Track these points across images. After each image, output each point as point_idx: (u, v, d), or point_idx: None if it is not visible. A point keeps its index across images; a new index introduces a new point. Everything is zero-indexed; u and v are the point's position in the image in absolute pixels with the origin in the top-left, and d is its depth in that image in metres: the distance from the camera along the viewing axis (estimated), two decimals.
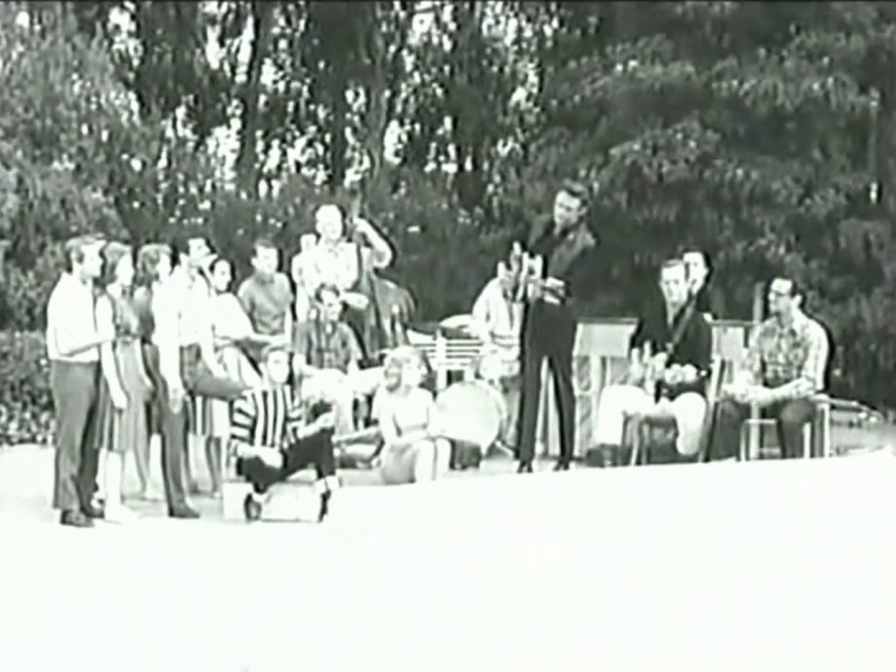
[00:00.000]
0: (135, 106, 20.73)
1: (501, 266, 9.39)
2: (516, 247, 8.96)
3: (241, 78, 26.73)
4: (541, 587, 3.20)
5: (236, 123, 26.81)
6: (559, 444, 9.39)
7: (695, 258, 9.87)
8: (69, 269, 8.44)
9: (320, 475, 8.25)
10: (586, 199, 9.40)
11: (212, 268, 10.00)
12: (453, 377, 11.38)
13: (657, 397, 8.84)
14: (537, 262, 8.74)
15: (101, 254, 8.47)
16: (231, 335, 9.81)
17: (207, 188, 22.02)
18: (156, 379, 8.75)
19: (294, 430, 8.49)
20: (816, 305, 12.42)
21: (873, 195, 16.82)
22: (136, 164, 19.03)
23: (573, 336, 9.14)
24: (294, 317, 10.57)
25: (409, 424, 8.84)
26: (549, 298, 8.65)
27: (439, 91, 27.34)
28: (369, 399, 9.75)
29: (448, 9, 26.97)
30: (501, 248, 9.44)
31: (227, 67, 26.96)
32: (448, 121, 27.33)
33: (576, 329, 9.19)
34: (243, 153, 25.80)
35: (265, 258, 10.26)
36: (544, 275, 8.74)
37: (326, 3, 23.92)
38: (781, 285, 8.60)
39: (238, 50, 26.90)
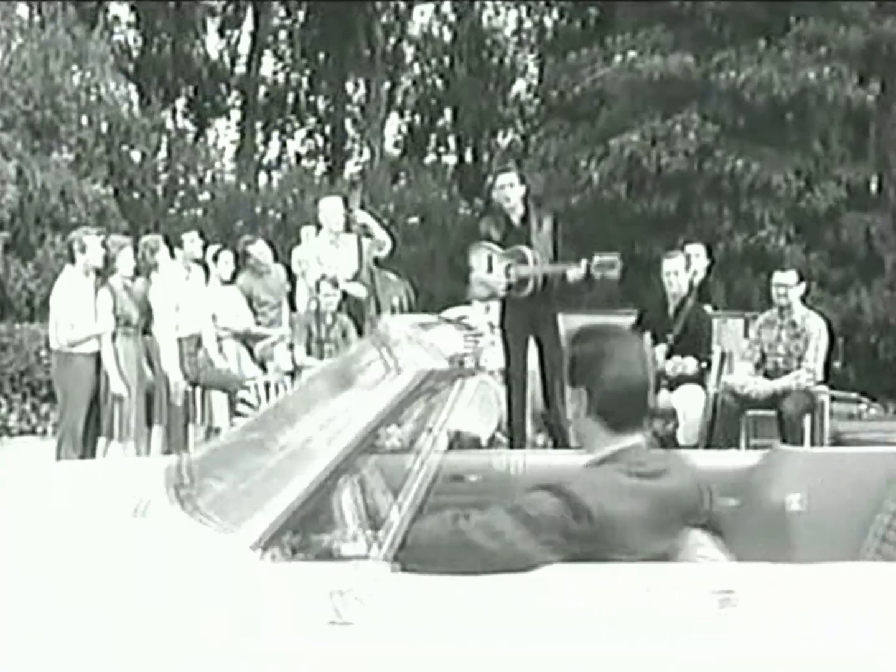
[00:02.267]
0: (134, 97, 20.75)
1: (482, 272, 8.33)
2: (495, 249, 8.41)
3: (240, 69, 26.75)
4: None
5: (236, 115, 26.83)
6: (549, 433, 9.28)
7: (696, 249, 9.84)
8: (72, 261, 8.45)
9: None
10: (523, 175, 8.97)
11: (215, 258, 10.02)
12: None
13: (657, 388, 8.81)
14: (537, 253, 8.42)
15: (104, 245, 8.49)
16: (232, 327, 9.82)
17: (207, 179, 22.07)
18: (156, 370, 8.76)
19: None
20: (817, 297, 12.42)
21: (874, 186, 16.82)
22: (136, 156, 19.05)
23: (556, 319, 8.72)
24: (293, 308, 10.58)
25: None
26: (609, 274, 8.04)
27: (439, 82, 27.35)
28: None
29: (448, 0, 26.96)
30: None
31: (226, 58, 26.98)
32: (448, 112, 27.34)
33: (556, 313, 8.75)
34: (243, 144, 25.80)
35: (260, 253, 10.30)
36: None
37: None
38: (788, 277, 8.53)
39: (238, 41, 26.92)
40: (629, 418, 3.11)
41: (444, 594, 2.83)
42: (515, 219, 8.28)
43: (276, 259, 10.65)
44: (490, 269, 8.32)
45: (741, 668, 2.71)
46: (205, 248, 10.19)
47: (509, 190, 8.22)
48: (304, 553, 2.99)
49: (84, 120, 16.88)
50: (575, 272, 8.00)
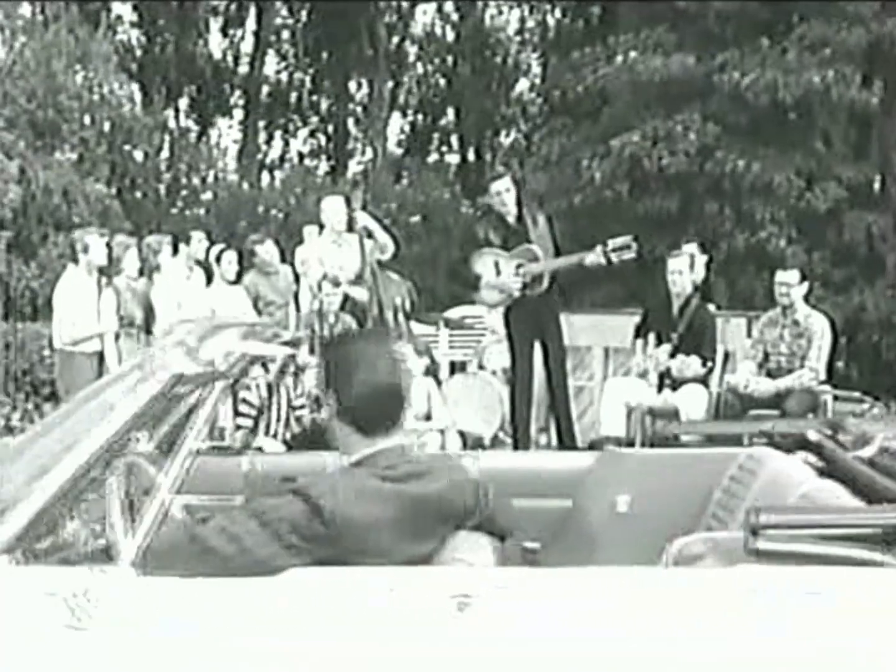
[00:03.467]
0: (137, 96, 20.79)
1: (492, 277, 8.29)
2: (500, 252, 8.46)
3: (243, 68, 26.76)
4: None
5: (239, 114, 26.85)
6: (556, 433, 9.30)
7: (691, 248, 9.82)
8: (75, 260, 8.46)
9: None
10: (516, 176, 9.01)
11: (218, 259, 10.01)
12: (456, 368, 11.38)
13: (660, 388, 8.81)
14: (538, 250, 8.44)
15: (108, 245, 8.51)
16: None
17: (210, 179, 22.10)
18: None
19: (298, 419, 8.50)
20: (819, 296, 12.41)
21: (876, 186, 16.81)
22: (139, 155, 19.07)
23: (559, 318, 8.78)
24: (297, 307, 10.58)
25: (413, 415, 8.83)
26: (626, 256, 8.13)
27: (442, 81, 27.35)
28: None
29: None
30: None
31: (229, 58, 27.00)
32: (451, 111, 27.35)
33: (559, 312, 8.81)
34: (246, 144, 25.83)
35: (267, 253, 10.30)
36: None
37: None
38: (790, 276, 8.52)
39: (241, 40, 26.93)
40: (380, 422, 3.11)
41: (184, 598, 2.81)
42: (511, 219, 8.33)
43: (282, 259, 10.66)
44: (498, 273, 8.34)
45: (476, 667, 2.74)
46: (208, 249, 10.19)
47: (506, 195, 8.31)
48: (49, 557, 2.98)
49: (87, 119, 16.90)
50: (593, 258, 8.07)
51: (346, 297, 9.93)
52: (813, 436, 3.87)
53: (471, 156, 26.97)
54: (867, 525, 2.96)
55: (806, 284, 8.58)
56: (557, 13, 25.16)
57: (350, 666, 2.77)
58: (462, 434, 9.04)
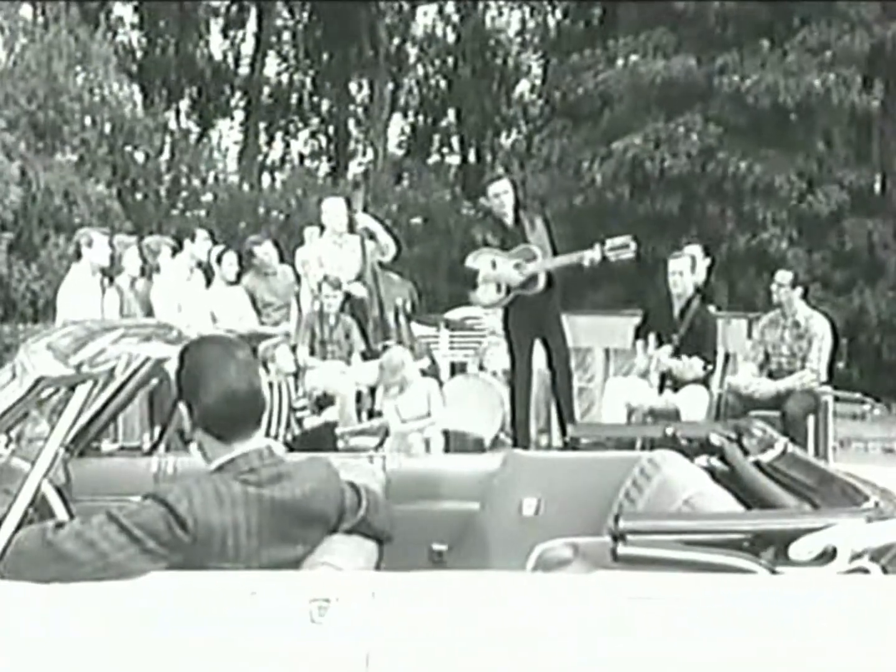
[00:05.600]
0: (138, 98, 20.78)
1: (489, 273, 8.41)
2: (498, 252, 8.49)
3: (244, 70, 26.77)
4: None
5: (239, 115, 26.86)
6: (560, 433, 9.28)
7: (693, 250, 9.82)
8: (78, 257, 8.47)
9: None
10: (514, 179, 9.04)
11: (219, 259, 10.00)
12: (457, 369, 11.37)
13: (661, 389, 8.80)
14: (537, 249, 8.43)
15: (110, 244, 8.52)
16: (235, 329, 9.79)
17: (210, 180, 22.08)
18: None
19: (299, 421, 8.50)
20: (820, 297, 12.41)
21: (877, 187, 16.80)
22: (140, 156, 19.07)
23: (560, 317, 8.78)
24: (298, 309, 10.57)
25: (415, 416, 8.82)
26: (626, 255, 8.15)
27: (443, 83, 27.36)
28: (372, 391, 9.73)
29: (451, 0, 26.97)
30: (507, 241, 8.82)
31: (230, 59, 27.00)
32: (451, 112, 27.36)
33: (560, 311, 8.83)
34: (246, 145, 25.83)
35: (265, 254, 10.28)
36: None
37: None
38: (783, 276, 8.57)
39: (242, 41, 26.93)
40: (234, 427, 3.10)
41: (38, 603, 2.79)
42: (508, 222, 8.34)
43: (282, 260, 10.64)
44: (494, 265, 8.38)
45: (332, 670, 2.74)
46: (209, 250, 10.19)
47: (504, 197, 8.32)
48: None
49: (87, 120, 16.90)
50: (591, 256, 8.07)
51: (347, 298, 9.92)
52: (715, 439, 3.89)
53: (471, 157, 26.99)
54: (728, 531, 2.95)
55: (800, 289, 8.59)
56: (558, 15, 25.18)
57: (209, 665, 2.75)
58: (446, 434, 8.99)
